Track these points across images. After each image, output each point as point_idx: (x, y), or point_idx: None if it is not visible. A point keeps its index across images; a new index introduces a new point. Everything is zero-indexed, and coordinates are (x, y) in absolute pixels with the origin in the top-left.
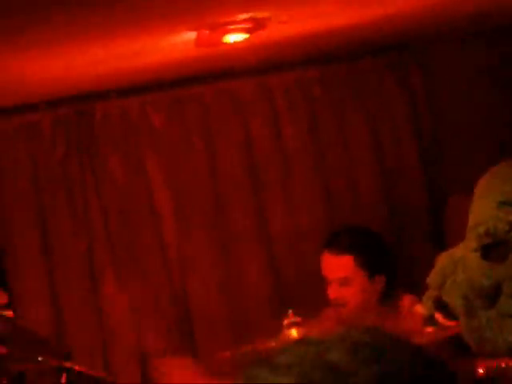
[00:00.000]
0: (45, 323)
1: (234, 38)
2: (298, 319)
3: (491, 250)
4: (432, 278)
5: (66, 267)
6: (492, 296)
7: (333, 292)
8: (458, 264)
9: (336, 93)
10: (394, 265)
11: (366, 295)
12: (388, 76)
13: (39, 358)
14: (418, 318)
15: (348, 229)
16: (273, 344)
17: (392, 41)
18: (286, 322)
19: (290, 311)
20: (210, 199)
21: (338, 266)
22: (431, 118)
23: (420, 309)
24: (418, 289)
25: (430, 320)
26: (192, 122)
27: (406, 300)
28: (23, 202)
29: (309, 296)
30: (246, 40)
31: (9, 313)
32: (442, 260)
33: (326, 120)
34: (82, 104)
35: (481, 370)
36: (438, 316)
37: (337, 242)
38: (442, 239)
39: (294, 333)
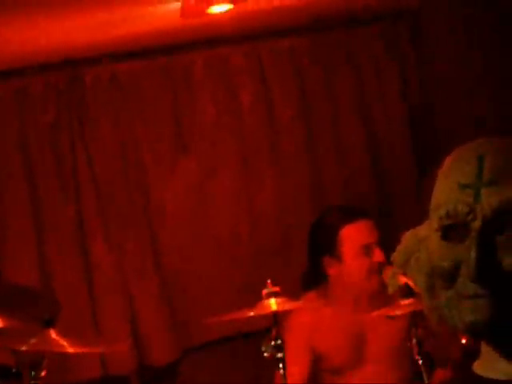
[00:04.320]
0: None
1: (218, 8)
2: (276, 289)
3: (451, 231)
4: (396, 256)
5: (55, 231)
6: (451, 277)
7: (380, 254)
8: (422, 243)
9: (326, 61)
10: None
11: None
12: (379, 45)
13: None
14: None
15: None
16: (251, 313)
17: (384, 10)
18: (265, 291)
19: (269, 281)
20: (199, 166)
21: (375, 229)
22: (421, 85)
23: (402, 279)
24: None
25: (408, 291)
26: (180, 89)
27: (388, 271)
28: (12, 166)
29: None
30: (230, 10)
31: None
32: (407, 238)
33: (316, 88)
34: (72, 69)
35: (463, 341)
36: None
37: (364, 209)
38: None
39: (272, 303)
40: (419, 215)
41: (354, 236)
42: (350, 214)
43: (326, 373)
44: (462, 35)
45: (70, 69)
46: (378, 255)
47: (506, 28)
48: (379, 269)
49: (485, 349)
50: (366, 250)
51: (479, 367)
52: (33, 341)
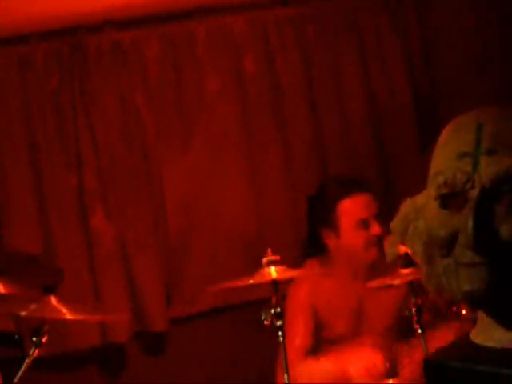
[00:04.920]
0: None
1: None
2: (276, 257)
3: (449, 199)
4: (395, 224)
5: (57, 200)
6: (448, 245)
7: (378, 228)
8: (420, 211)
9: (330, 30)
10: None
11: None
12: (383, 15)
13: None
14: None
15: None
16: (251, 281)
17: None
18: (264, 259)
19: (269, 250)
20: (202, 137)
21: (373, 203)
22: (425, 58)
23: (402, 249)
24: None
25: (407, 260)
26: (183, 57)
27: (388, 240)
28: (14, 133)
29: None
30: None
31: None
32: (406, 206)
33: (319, 57)
34: (74, 37)
35: (464, 311)
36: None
37: (362, 183)
38: None
39: (272, 271)
40: (420, 188)
41: (351, 210)
42: (348, 188)
43: (325, 342)
44: (469, 9)
45: (72, 36)
46: (376, 229)
47: None
48: (377, 242)
49: (482, 317)
50: (364, 223)
51: (476, 335)
52: (33, 307)
